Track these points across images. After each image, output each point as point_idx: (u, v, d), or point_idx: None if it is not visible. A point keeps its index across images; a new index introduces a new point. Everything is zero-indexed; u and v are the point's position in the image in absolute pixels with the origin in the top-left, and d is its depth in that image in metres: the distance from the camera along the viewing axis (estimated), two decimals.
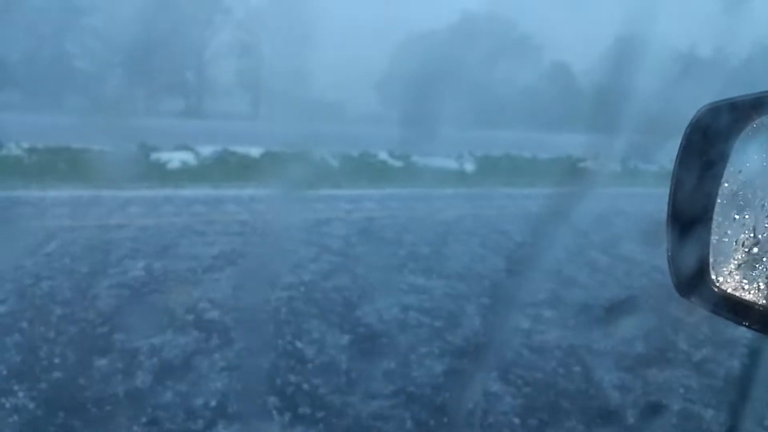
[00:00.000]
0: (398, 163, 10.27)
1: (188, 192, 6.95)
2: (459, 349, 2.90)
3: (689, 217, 0.63)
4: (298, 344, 2.83)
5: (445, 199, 7.60)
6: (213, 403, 2.26)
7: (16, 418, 2.10)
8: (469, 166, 10.49)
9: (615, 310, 3.65)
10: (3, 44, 26.63)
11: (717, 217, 0.62)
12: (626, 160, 12.69)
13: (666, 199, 0.64)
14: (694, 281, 0.63)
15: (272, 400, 2.32)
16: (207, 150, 9.36)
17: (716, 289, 0.63)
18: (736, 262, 0.62)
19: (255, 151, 9.66)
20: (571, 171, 11.12)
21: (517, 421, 2.32)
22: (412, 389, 2.46)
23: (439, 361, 2.72)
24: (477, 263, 4.54)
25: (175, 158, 8.78)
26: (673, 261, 0.63)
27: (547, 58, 40.55)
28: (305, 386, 2.44)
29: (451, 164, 10.45)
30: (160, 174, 8.03)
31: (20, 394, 2.23)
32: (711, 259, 0.63)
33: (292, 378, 2.49)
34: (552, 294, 3.77)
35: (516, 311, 3.46)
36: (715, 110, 0.62)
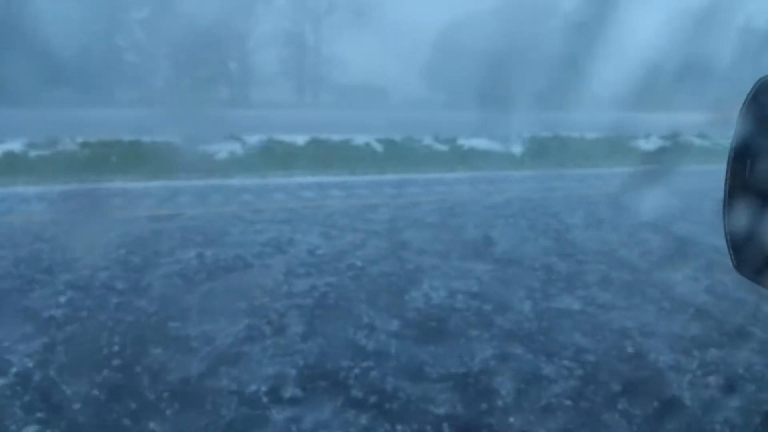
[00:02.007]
0: (443, 147, 10.17)
1: (236, 181, 7.08)
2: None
3: (747, 189, 0.60)
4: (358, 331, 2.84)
5: (493, 182, 7.50)
6: None
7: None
8: (517, 148, 10.30)
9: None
10: (56, 41, 27.59)
11: None
12: (677, 137, 12.24)
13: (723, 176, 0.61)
14: (752, 256, 0.61)
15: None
16: (253, 139, 9.47)
17: None
18: None
19: (300, 139, 9.73)
20: (622, 150, 10.80)
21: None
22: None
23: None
24: (528, 247, 4.46)
25: (222, 148, 8.93)
26: (731, 238, 0.60)
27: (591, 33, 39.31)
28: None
29: (498, 146, 10.28)
30: (210, 164, 8.19)
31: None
32: None
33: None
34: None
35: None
36: None
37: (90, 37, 28.36)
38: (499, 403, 2.28)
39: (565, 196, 6.75)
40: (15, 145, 7.97)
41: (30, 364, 2.43)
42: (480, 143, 10.38)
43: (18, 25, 26.72)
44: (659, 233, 4.99)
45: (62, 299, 3.11)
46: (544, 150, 10.34)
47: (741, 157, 0.59)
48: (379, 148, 9.83)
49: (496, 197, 6.48)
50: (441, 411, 2.21)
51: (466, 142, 10.43)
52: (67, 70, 26.98)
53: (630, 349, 2.75)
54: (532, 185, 7.45)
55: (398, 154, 9.48)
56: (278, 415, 2.15)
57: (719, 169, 0.61)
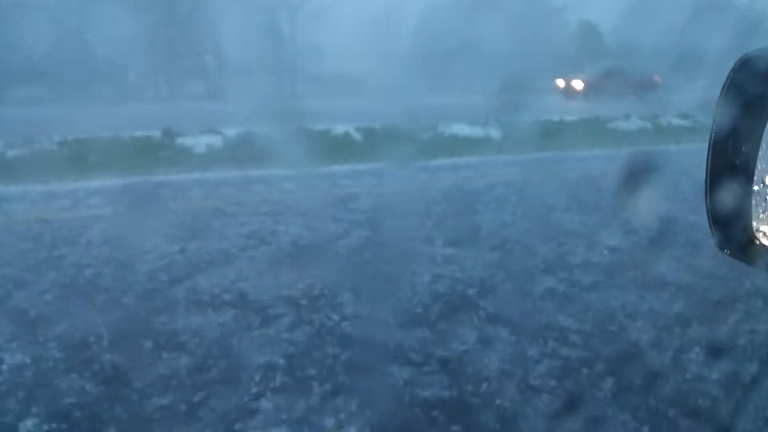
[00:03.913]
0: (425, 135, 10.18)
1: (215, 174, 7.02)
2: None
3: (729, 167, 0.61)
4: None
5: (473, 167, 7.54)
6: None
7: None
8: (496, 133, 10.34)
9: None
10: (27, 39, 27.01)
11: (760, 165, 0.60)
12: (657, 118, 12.39)
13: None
14: (734, 234, 0.62)
15: None
16: (231, 132, 9.39)
17: (758, 242, 0.61)
18: None
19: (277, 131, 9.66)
20: (599, 132, 10.90)
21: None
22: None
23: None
24: (506, 230, 4.50)
25: (200, 142, 8.84)
26: (712, 213, 0.61)
27: (574, 19, 39.54)
28: None
29: (478, 132, 10.31)
30: (187, 158, 8.11)
31: None
32: (753, 211, 0.61)
33: None
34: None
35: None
36: (758, 57, 0.60)
37: (62, 33, 27.80)
38: None
39: (547, 180, 6.79)
40: None
41: None
42: (461, 129, 10.41)
43: None
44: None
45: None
46: (521, 134, 10.40)
47: (722, 136, 0.60)
48: (358, 137, 9.80)
49: (478, 182, 6.52)
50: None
51: (446, 129, 10.45)
52: (39, 68, 26.47)
53: (613, 329, 2.80)
54: (513, 170, 7.50)
55: (379, 141, 9.46)
56: None
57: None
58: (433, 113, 12.86)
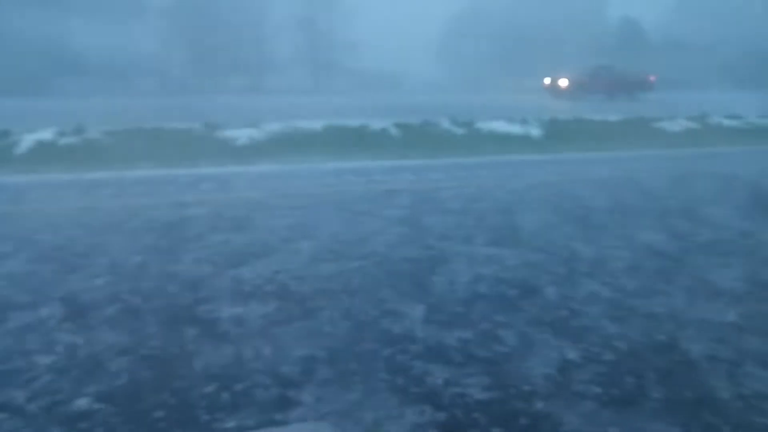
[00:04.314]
0: (461, 131, 10.12)
1: (257, 168, 7.13)
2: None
3: None
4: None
5: (513, 166, 7.46)
6: None
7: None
8: (536, 131, 10.22)
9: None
10: (78, 34, 27.83)
11: None
12: (705, 118, 12.06)
13: None
14: None
15: None
16: (271, 126, 9.50)
17: None
18: None
19: (317, 125, 9.74)
20: (644, 132, 10.66)
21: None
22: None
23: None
24: (552, 232, 4.44)
25: (242, 135, 8.98)
26: None
27: (614, 14, 38.74)
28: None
29: (517, 129, 10.21)
30: (229, 150, 8.25)
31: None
32: None
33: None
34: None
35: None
36: None
37: (110, 28, 28.54)
38: None
39: (585, 179, 6.69)
40: (46, 134, 8.12)
41: None
42: (499, 126, 10.32)
43: (40, 18, 26.98)
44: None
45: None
46: (563, 133, 10.25)
47: None
48: (396, 132, 9.81)
49: (517, 182, 6.45)
50: None
51: (484, 126, 10.37)
52: (89, 61, 27.26)
53: (661, 338, 2.74)
54: (553, 169, 7.40)
55: (416, 138, 9.45)
56: None
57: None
58: (469, 110, 12.78)
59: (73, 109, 11.40)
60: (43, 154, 7.56)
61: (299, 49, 35.28)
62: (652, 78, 22.92)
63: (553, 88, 22.46)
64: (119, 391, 2.23)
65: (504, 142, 9.47)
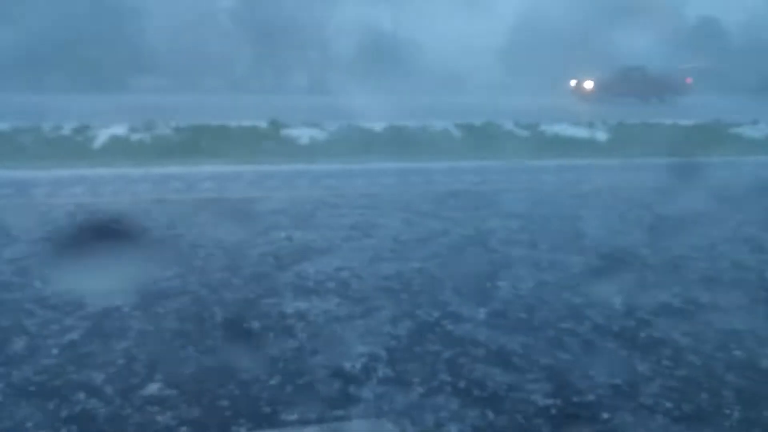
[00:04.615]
0: (525, 133, 9.95)
1: (320, 167, 7.22)
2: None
3: None
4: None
5: (577, 170, 7.27)
6: None
7: None
8: (602, 135, 9.93)
9: None
10: (151, 33, 28.97)
11: None
12: None
13: None
14: None
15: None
16: (333, 126, 9.61)
17: None
18: None
19: (378, 126, 9.78)
20: (720, 138, 10.16)
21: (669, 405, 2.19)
22: None
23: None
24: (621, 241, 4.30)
25: (304, 134, 9.11)
26: None
27: (692, 14, 37.13)
28: None
29: (582, 132, 9.94)
30: (292, 149, 8.39)
31: None
32: None
33: None
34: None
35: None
36: None
37: (182, 27, 29.58)
38: None
39: (655, 187, 6.44)
40: (119, 130, 8.50)
41: None
42: (563, 129, 10.09)
43: (110, 17, 28.27)
44: None
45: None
46: (632, 137, 9.91)
47: None
48: (457, 133, 9.74)
49: (583, 186, 6.28)
50: None
51: (548, 128, 10.16)
52: (159, 60, 28.35)
53: (738, 353, 2.61)
54: (621, 175, 7.16)
55: (478, 140, 9.35)
56: None
57: None
58: (533, 112, 12.55)
59: (144, 106, 11.86)
60: (117, 148, 7.90)
61: (362, 49, 35.52)
62: (688, 80, 21.23)
63: (579, 90, 21.12)
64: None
65: (569, 145, 9.24)
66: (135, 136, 8.46)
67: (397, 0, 36.21)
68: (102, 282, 3.07)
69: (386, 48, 35.92)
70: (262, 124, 9.52)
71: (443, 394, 2.22)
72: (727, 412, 2.14)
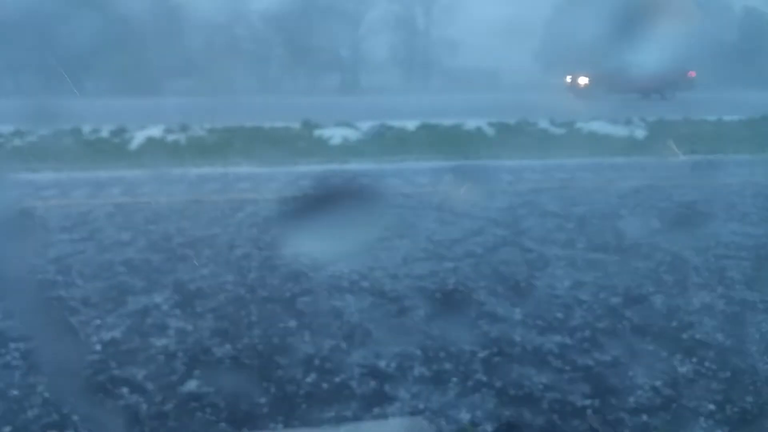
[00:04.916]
0: (560, 131, 9.78)
1: (352, 166, 7.22)
2: None
3: None
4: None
5: (616, 169, 7.10)
6: None
7: None
8: (640, 132, 9.69)
9: None
10: (184, 35, 29.45)
11: None
12: None
13: None
14: None
15: None
16: (365, 125, 9.60)
17: None
18: None
19: (411, 125, 9.73)
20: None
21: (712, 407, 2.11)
22: None
23: None
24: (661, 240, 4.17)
25: (336, 134, 9.12)
26: None
27: (738, 4, 35.97)
28: None
29: (620, 131, 9.72)
30: (325, 149, 8.40)
31: None
32: None
33: None
34: None
35: None
36: None
37: (214, 29, 29.99)
38: None
39: (698, 185, 6.24)
40: (156, 131, 8.64)
41: None
42: (600, 126, 9.88)
43: (144, 21, 28.79)
44: None
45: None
46: (671, 134, 9.64)
47: None
48: (491, 132, 9.62)
49: (619, 185, 6.13)
50: None
51: (585, 126, 9.96)
52: (192, 62, 28.80)
53: None
54: (660, 174, 6.97)
55: (512, 138, 9.22)
56: None
57: None
58: (567, 109, 12.32)
59: (179, 108, 12.04)
60: (153, 149, 8.03)
61: (395, 48, 35.42)
62: (691, 74, 19.94)
63: (574, 86, 19.96)
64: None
65: (605, 143, 9.04)
66: (170, 138, 8.59)
67: None
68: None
69: (418, 46, 35.76)
70: (296, 124, 9.56)
71: (478, 393, 2.17)
72: None
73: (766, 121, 10.64)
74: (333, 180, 6.37)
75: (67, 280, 3.28)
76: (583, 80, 19.49)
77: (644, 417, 2.06)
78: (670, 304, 2.99)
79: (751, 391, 2.20)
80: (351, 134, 9.19)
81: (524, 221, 4.57)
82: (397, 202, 5.19)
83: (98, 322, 2.75)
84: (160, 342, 2.56)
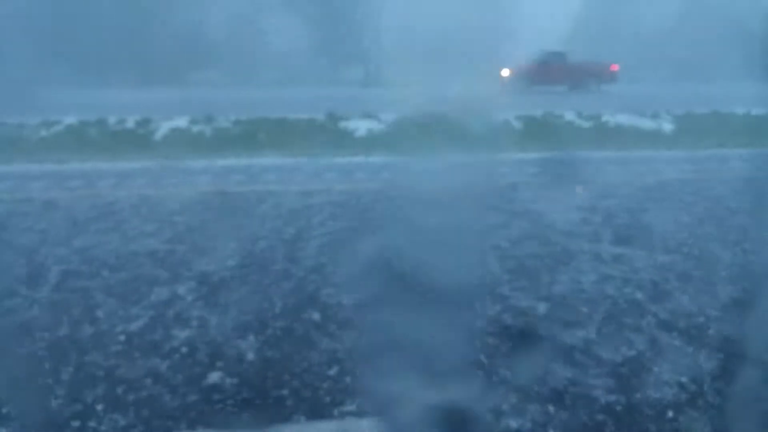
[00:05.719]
0: (586, 123, 9.65)
1: (376, 159, 7.20)
2: None
3: None
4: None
5: (643, 162, 6.98)
6: None
7: None
8: (668, 126, 9.51)
9: None
10: (208, 28, 29.62)
11: None
12: None
13: None
14: None
15: None
16: (389, 117, 9.57)
17: None
18: None
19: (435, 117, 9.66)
20: None
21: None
22: None
23: None
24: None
25: (361, 126, 9.11)
26: None
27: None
28: None
29: (647, 123, 9.56)
30: (349, 141, 8.39)
31: None
32: None
33: None
34: None
35: None
36: None
37: (239, 22, 30.10)
38: None
39: (724, 179, 6.11)
40: (181, 122, 8.72)
41: None
42: (627, 119, 9.72)
43: (169, 12, 29.01)
44: None
45: None
46: (700, 127, 9.45)
47: None
48: (517, 124, 9.52)
49: (649, 179, 6.03)
50: None
51: (611, 119, 9.82)
52: (216, 53, 28.94)
53: None
54: (687, 167, 6.84)
55: (538, 130, 9.12)
56: None
57: None
58: (595, 102, 12.15)
59: (204, 99, 12.12)
60: (178, 140, 8.10)
61: (417, 39, 35.12)
62: (614, 67, 19.51)
63: (501, 80, 19.10)
64: None
65: (632, 136, 8.89)
66: (195, 129, 8.66)
67: None
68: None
69: (444, 37, 35.37)
70: (320, 116, 9.56)
71: (502, 387, 2.16)
72: None
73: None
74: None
75: (91, 270, 3.33)
76: (504, 73, 19.08)
77: None
78: None
79: None
80: (376, 126, 9.20)
81: (551, 214, 4.52)
82: (421, 194, 5.17)
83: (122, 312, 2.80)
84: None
